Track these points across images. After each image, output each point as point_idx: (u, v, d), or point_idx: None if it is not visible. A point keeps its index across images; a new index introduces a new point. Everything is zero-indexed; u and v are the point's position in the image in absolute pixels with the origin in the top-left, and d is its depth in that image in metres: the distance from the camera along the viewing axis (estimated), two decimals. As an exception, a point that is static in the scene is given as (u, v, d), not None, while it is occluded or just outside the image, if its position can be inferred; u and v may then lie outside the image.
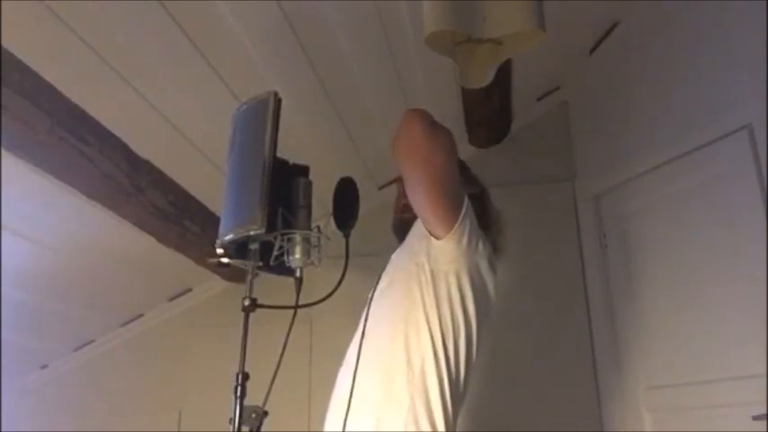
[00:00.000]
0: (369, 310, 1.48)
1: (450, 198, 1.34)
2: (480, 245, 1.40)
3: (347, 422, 1.34)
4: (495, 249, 1.53)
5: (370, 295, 1.51)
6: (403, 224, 1.56)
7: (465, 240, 1.34)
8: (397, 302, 1.40)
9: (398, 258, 1.51)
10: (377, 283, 1.52)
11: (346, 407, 1.35)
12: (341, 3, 1.88)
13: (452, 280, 1.36)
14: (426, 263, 1.37)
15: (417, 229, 1.43)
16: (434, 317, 1.34)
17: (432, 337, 1.33)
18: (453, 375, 1.34)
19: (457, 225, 1.32)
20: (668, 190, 2.44)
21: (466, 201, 1.35)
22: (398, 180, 1.64)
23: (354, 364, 1.39)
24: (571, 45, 2.74)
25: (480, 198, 1.58)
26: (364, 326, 1.45)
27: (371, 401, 1.34)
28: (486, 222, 1.53)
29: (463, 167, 1.64)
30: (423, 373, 1.31)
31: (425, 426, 1.28)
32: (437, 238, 1.34)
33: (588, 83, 2.90)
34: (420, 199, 1.36)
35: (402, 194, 1.58)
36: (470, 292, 1.38)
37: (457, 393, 1.35)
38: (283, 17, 1.86)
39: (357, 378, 1.38)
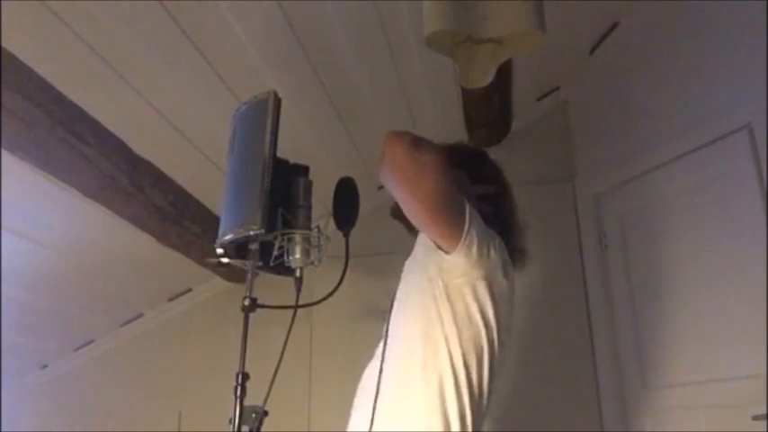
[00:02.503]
0: (387, 325, 1.43)
1: (449, 213, 1.29)
2: (492, 251, 1.33)
3: None
4: (519, 251, 1.49)
5: (388, 309, 1.47)
6: (401, 213, 1.46)
7: (475, 251, 1.28)
8: (413, 320, 1.36)
9: (410, 271, 1.46)
10: (393, 297, 1.48)
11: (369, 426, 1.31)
12: (341, 3, 1.88)
13: (467, 291, 1.31)
14: (439, 277, 1.32)
15: (424, 240, 1.38)
16: (453, 333, 1.30)
17: (450, 354, 1.29)
18: (476, 392, 1.30)
19: (463, 238, 1.27)
20: (668, 190, 2.44)
21: (468, 211, 1.29)
22: None
23: (375, 388, 1.35)
24: (571, 45, 2.74)
25: (497, 198, 1.53)
26: (385, 343, 1.41)
27: (389, 423, 1.31)
28: (505, 222, 1.49)
29: (479, 162, 1.60)
30: (441, 392, 1.28)
31: None
32: (446, 253, 1.30)
33: (588, 83, 2.90)
34: (419, 222, 1.32)
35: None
36: (489, 302, 1.33)
37: (479, 410, 1.31)
38: (283, 17, 1.86)
39: (378, 401, 1.33)
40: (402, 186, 1.29)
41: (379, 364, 1.38)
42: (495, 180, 1.58)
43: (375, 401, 1.33)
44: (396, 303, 1.45)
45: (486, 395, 1.33)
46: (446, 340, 1.30)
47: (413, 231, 1.46)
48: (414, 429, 1.27)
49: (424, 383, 1.29)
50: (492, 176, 1.59)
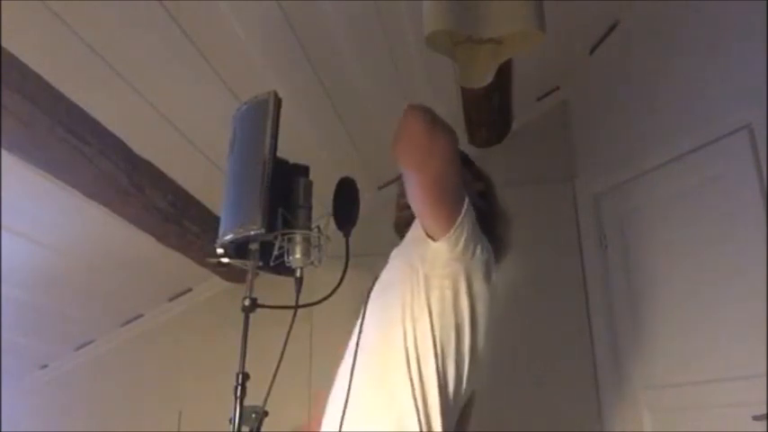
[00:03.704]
0: (365, 308, 1.46)
1: (448, 199, 1.29)
2: (478, 250, 1.34)
3: (343, 423, 1.33)
4: (503, 248, 1.49)
5: (366, 293, 1.49)
6: (403, 222, 1.52)
7: (461, 244, 1.29)
8: (390, 305, 1.38)
9: (395, 258, 1.49)
10: (374, 281, 1.50)
11: (342, 408, 1.33)
12: (341, 3, 1.88)
13: (447, 284, 1.32)
14: (420, 266, 1.34)
15: (415, 229, 1.40)
16: (425, 322, 1.31)
17: (416, 343, 1.30)
18: (442, 383, 1.31)
19: (454, 228, 1.27)
20: (668, 190, 2.44)
21: (466, 203, 1.30)
22: (399, 179, 1.62)
23: (351, 365, 1.38)
24: (571, 45, 2.74)
25: (486, 195, 1.54)
26: (361, 325, 1.44)
27: (365, 402, 1.33)
28: (492, 221, 1.50)
29: (467, 161, 1.61)
30: (410, 380, 1.29)
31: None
32: (433, 240, 1.31)
33: (588, 83, 2.90)
34: (418, 199, 1.33)
35: (402, 193, 1.56)
36: (466, 298, 1.34)
37: (446, 402, 1.32)
38: (283, 17, 1.86)
39: (354, 377, 1.36)
40: (411, 161, 1.29)
41: (355, 342, 1.40)
42: (483, 178, 1.59)
43: (348, 388, 1.35)
44: (375, 288, 1.47)
45: (453, 390, 1.33)
46: (414, 329, 1.31)
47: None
48: (388, 407, 1.29)
49: (391, 369, 1.30)
50: (482, 174, 1.60)
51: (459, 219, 1.28)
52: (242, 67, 1.97)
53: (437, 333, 1.31)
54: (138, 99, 1.93)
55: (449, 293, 1.33)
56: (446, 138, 1.29)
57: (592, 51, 2.82)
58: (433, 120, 1.28)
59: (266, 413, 1.23)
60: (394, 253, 1.51)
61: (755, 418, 1.95)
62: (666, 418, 2.33)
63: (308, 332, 2.77)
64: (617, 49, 2.73)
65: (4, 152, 1.79)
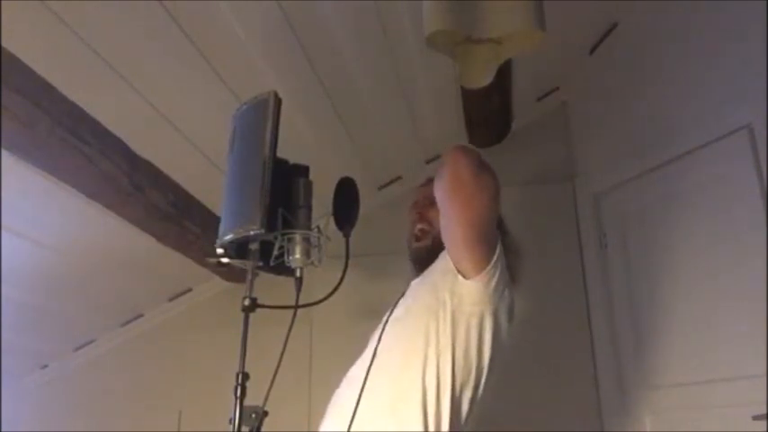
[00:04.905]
0: (382, 333, 1.44)
1: (486, 240, 1.33)
2: (506, 291, 1.38)
3: None
4: (513, 279, 1.49)
5: (384, 319, 1.48)
6: (423, 253, 1.52)
7: (493, 284, 1.33)
8: (412, 335, 1.37)
9: (419, 289, 1.48)
10: (393, 308, 1.49)
11: (348, 424, 1.33)
12: (341, 3, 1.88)
13: (474, 322, 1.34)
14: (449, 301, 1.35)
15: (442, 262, 1.41)
16: (447, 356, 1.32)
17: (438, 375, 1.31)
18: (455, 419, 1.32)
19: (489, 268, 1.32)
20: (668, 190, 2.44)
21: (499, 245, 1.35)
22: (414, 208, 1.60)
23: (360, 386, 1.36)
24: (571, 45, 2.74)
25: (499, 225, 1.54)
26: (376, 348, 1.42)
27: (371, 422, 1.32)
28: (505, 252, 1.50)
29: None
30: (424, 408, 1.30)
31: None
32: (465, 277, 1.33)
33: (588, 83, 2.90)
34: (458, 237, 1.35)
35: (418, 220, 1.56)
36: (489, 337, 1.36)
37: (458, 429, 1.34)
38: (283, 17, 1.86)
39: (362, 399, 1.35)
40: (456, 201, 1.34)
41: (365, 370, 1.39)
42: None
43: (359, 400, 1.34)
44: (395, 314, 1.46)
45: (464, 418, 1.35)
46: (436, 362, 1.32)
47: (419, 271, 1.50)
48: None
49: (404, 395, 1.31)
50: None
51: (494, 260, 1.32)
52: (242, 67, 1.97)
53: (458, 371, 1.33)
54: (138, 99, 1.93)
55: (474, 334, 1.34)
56: (492, 180, 1.35)
57: (592, 51, 2.82)
58: (478, 161, 1.34)
59: (266, 413, 1.23)
60: (415, 283, 1.51)
61: (755, 417, 1.95)
62: (666, 418, 2.33)
63: (308, 332, 2.77)
64: (617, 50, 2.73)
65: (4, 152, 1.79)
